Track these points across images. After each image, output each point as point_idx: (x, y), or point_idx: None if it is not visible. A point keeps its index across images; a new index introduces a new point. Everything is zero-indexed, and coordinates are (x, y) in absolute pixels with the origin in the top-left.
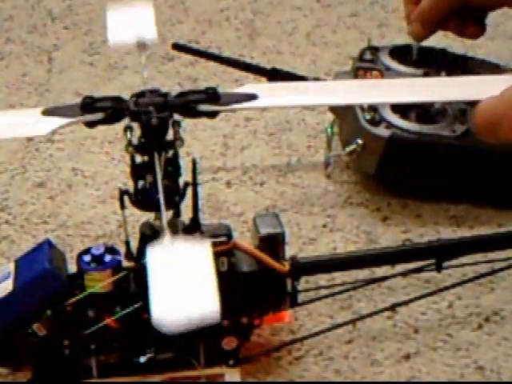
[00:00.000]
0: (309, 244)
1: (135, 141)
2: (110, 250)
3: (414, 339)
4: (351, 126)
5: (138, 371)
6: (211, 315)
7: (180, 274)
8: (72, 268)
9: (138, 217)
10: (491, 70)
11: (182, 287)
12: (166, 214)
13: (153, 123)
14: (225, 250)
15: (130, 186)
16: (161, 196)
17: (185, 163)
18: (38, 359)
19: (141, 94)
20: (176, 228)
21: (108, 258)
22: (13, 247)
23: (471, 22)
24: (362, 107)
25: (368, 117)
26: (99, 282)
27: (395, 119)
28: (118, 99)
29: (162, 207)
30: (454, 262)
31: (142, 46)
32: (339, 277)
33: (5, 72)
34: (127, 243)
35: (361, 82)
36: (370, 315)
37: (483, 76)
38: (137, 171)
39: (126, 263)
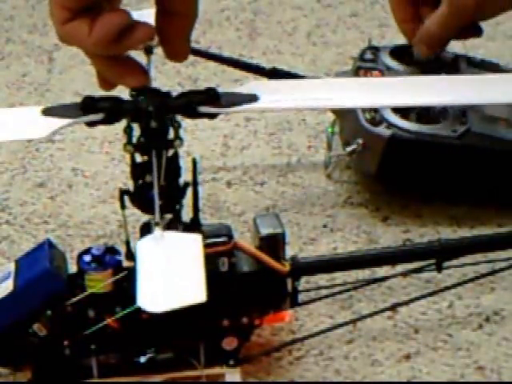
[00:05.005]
0: (309, 244)
1: (135, 140)
2: (111, 250)
3: (414, 339)
4: (352, 125)
5: (138, 371)
6: (197, 293)
7: (168, 260)
8: (72, 268)
9: (138, 217)
10: (491, 69)
11: (170, 269)
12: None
13: (152, 126)
14: (225, 250)
15: (130, 185)
16: (156, 194)
17: (185, 163)
18: (38, 359)
19: (141, 93)
20: (176, 228)
21: (108, 258)
22: (13, 247)
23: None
24: None
25: (368, 117)
26: (99, 282)
27: (396, 119)
28: (118, 99)
29: (156, 200)
30: (455, 261)
31: (149, 50)
32: (339, 277)
33: (5, 72)
34: (127, 243)
35: (365, 81)
36: (370, 315)
37: (485, 75)
38: (137, 171)
39: (126, 263)
